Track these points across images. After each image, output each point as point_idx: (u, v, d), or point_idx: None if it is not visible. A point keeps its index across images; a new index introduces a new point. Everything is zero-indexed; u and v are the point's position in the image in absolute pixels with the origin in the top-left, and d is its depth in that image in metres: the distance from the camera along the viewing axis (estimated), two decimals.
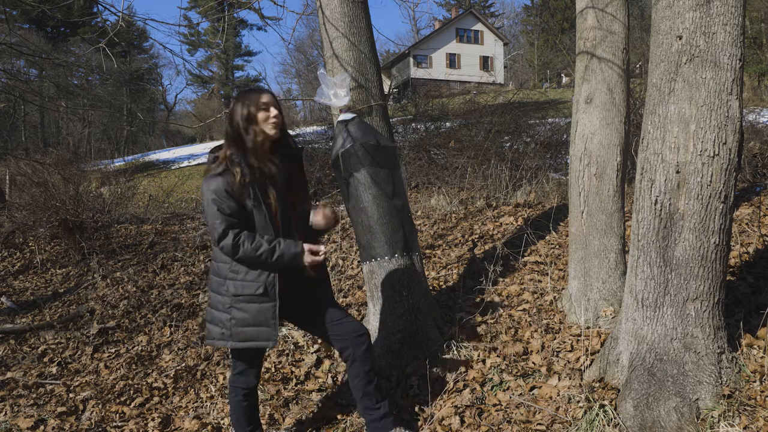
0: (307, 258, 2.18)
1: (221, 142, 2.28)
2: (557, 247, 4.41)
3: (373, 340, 3.07)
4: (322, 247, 2.22)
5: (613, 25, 3.01)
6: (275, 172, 2.19)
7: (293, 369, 3.20)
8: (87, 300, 5.09)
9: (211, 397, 3.11)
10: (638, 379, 2.20)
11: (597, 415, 2.21)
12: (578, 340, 2.89)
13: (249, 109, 2.16)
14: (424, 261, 4.41)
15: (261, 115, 2.17)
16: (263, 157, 2.18)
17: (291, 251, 2.14)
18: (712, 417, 2.04)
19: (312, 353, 3.32)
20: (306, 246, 2.18)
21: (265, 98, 2.18)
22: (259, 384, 3.08)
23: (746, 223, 4.26)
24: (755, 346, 2.36)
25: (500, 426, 2.39)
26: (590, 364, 2.59)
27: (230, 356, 2.40)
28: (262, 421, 2.73)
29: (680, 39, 2.09)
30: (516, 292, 3.65)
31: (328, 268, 4.77)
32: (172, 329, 4.17)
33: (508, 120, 10.54)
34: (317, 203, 2.34)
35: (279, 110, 2.22)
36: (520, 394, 2.56)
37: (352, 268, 4.65)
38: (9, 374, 3.75)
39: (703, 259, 2.10)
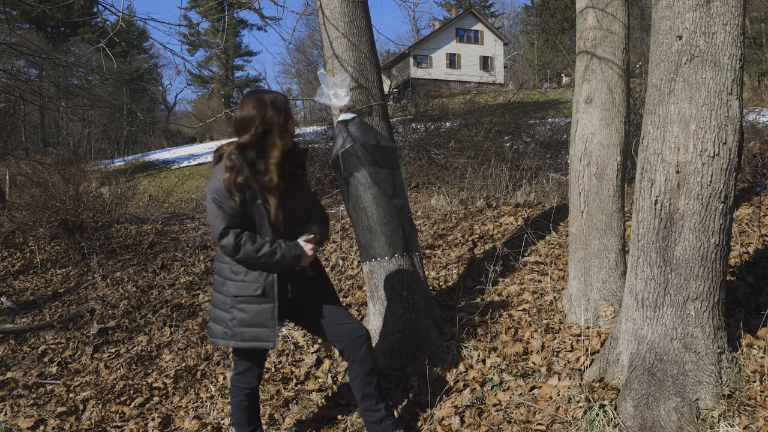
0: (308, 257, 2.19)
1: (223, 141, 2.27)
2: (557, 247, 4.41)
3: (373, 340, 3.07)
4: (309, 237, 2.22)
5: (613, 25, 3.01)
6: (278, 176, 2.18)
7: (293, 369, 3.20)
8: (87, 300, 5.09)
9: (211, 397, 3.11)
10: (638, 379, 2.20)
11: (597, 415, 2.21)
12: (578, 340, 2.89)
13: (280, 117, 2.13)
14: (424, 261, 4.41)
15: (290, 126, 2.17)
16: (272, 163, 2.17)
17: (292, 253, 2.15)
18: (712, 417, 2.04)
19: (312, 353, 3.31)
20: (306, 245, 2.19)
21: (291, 110, 2.20)
22: (260, 384, 3.08)
23: (746, 223, 4.26)
24: (755, 346, 2.36)
25: (500, 426, 2.39)
26: (590, 364, 2.59)
27: (232, 356, 2.40)
28: (262, 421, 2.73)
29: (680, 39, 2.09)
30: (516, 292, 3.65)
31: (328, 269, 4.77)
32: (172, 329, 4.17)
33: (508, 120, 10.55)
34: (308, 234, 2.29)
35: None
36: (520, 394, 2.56)
37: (352, 268, 4.65)
38: (9, 374, 3.75)
39: (703, 259, 2.10)
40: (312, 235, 2.23)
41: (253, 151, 2.12)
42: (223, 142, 2.29)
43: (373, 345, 3.03)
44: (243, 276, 2.17)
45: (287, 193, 2.23)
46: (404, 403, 2.69)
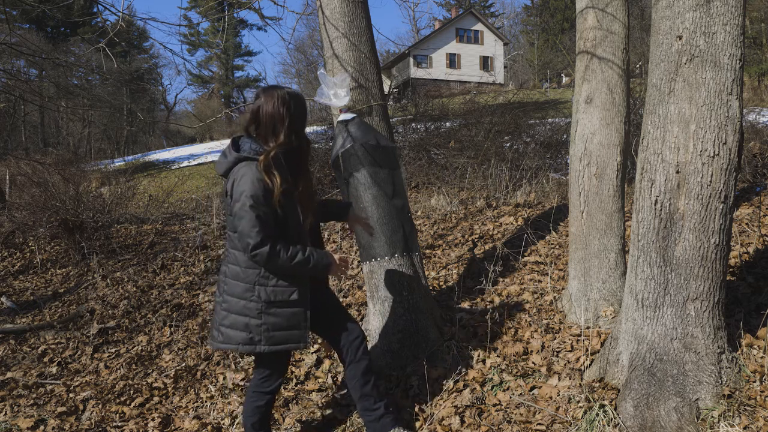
0: (339, 269, 2.21)
1: (226, 140, 2.26)
2: (557, 247, 4.41)
3: (373, 339, 3.07)
4: (349, 258, 2.26)
5: (613, 25, 3.01)
6: (310, 181, 2.22)
7: (293, 369, 3.20)
8: (87, 300, 5.09)
9: (211, 397, 3.11)
10: (638, 379, 2.20)
11: (597, 415, 2.21)
12: (578, 340, 2.89)
13: (305, 117, 2.15)
14: (424, 261, 4.41)
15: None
16: (307, 164, 2.20)
17: (324, 262, 2.15)
18: (712, 417, 2.04)
19: (312, 353, 3.32)
20: (337, 256, 2.21)
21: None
22: None
23: (746, 223, 4.26)
24: (755, 346, 2.36)
25: (500, 426, 2.39)
26: (590, 364, 2.59)
27: (256, 361, 2.35)
28: None
29: (680, 39, 2.09)
30: (516, 292, 3.65)
31: None
32: (172, 329, 4.17)
33: (508, 120, 10.55)
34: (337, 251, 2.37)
35: None
36: (520, 394, 2.56)
37: (352, 268, 4.65)
38: (9, 374, 3.75)
39: (703, 259, 2.10)
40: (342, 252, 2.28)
41: (287, 151, 2.11)
42: (226, 141, 2.27)
43: (373, 345, 3.04)
44: (276, 281, 2.12)
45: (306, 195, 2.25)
46: (404, 403, 2.69)
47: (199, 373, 3.43)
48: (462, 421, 2.46)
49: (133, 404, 3.14)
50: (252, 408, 2.33)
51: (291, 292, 2.13)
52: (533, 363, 2.78)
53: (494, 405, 2.53)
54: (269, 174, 2.02)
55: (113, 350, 4.03)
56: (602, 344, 2.71)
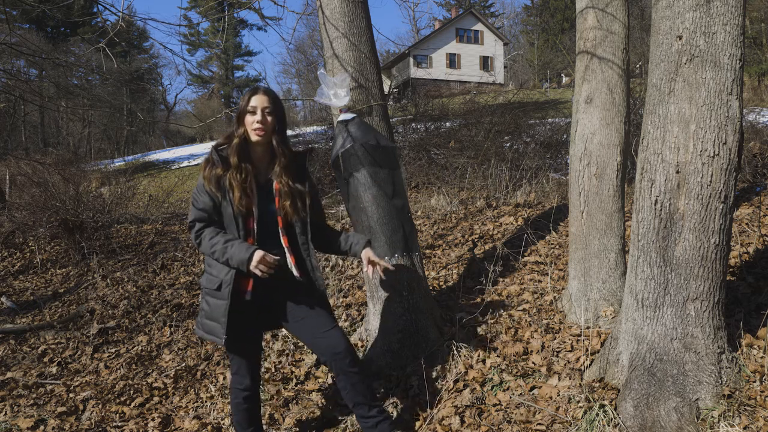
0: (255, 266, 2.08)
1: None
2: (557, 247, 4.41)
3: (372, 339, 3.08)
4: (272, 258, 2.10)
5: (613, 25, 3.01)
6: (252, 172, 2.19)
7: (293, 369, 3.20)
8: (87, 300, 5.09)
9: (211, 397, 3.11)
10: (638, 379, 2.20)
11: (597, 415, 2.21)
12: (578, 340, 2.89)
13: (239, 106, 2.23)
14: (424, 261, 4.41)
15: (247, 118, 2.19)
16: (243, 156, 2.19)
17: (239, 256, 2.09)
18: (712, 417, 2.04)
19: (312, 353, 3.32)
20: (258, 254, 2.08)
21: (254, 101, 2.18)
22: (257, 385, 3.08)
23: (746, 223, 4.26)
24: (755, 346, 2.36)
25: (500, 426, 2.39)
26: (590, 364, 2.59)
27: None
28: (262, 421, 2.73)
29: (680, 39, 2.09)
30: (516, 292, 3.65)
31: (328, 269, 4.77)
32: (172, 329, 4.17)
33: (508, 120, 10.55)
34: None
35: (275, 115, 2.20)
36: (520, 394, 2.56)
37: (352, 268, 4.65)
38: (9, 374, 3.75)
39: (703, 259, 2.10)
40: (277, 257, 2.15)
41: (227, 144, 2.22)
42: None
43: (373, 345, 3.04)
44: (211, 269, 2.22)
45: (270, 195, 2.23)
46: (404, 403, 2.69)
47: (199, 373, 3.43)
48: (462, 421, 2.46)
49: (133, 404, 3.15)
50: (233, 405, 2.38)
51: (216, 282, 2.19)
52: (533, 363, 2.78)
53: (494, 405, 2.53)
54: (205, 163, 2.20)
55: (113, 350, 4.03)
56: (602, 344, 2.71)
